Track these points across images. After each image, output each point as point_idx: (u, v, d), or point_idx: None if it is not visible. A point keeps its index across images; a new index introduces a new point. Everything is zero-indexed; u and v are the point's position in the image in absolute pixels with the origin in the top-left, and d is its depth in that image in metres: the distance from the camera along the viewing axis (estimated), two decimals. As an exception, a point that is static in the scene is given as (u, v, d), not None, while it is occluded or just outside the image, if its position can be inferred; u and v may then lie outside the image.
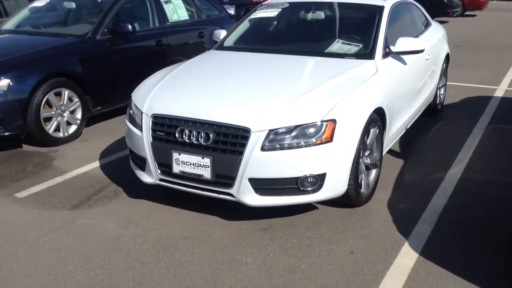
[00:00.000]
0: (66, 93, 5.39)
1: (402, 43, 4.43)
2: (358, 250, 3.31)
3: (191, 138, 3.51)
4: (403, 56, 4.60)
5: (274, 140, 3.36)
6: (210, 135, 3.44)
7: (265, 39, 5.12)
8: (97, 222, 3.72)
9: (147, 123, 3.73)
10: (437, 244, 3.37)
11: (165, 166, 3.68)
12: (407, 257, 3.22)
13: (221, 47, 5.05)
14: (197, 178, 3.55)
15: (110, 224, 3.69)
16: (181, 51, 7.09)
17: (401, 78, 4.51)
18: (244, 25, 5.28)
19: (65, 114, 5.44)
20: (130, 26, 5.96)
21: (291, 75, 4.09)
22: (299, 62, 4.37)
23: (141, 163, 3.87)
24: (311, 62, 4.37)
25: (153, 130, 3.70)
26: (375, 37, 4.49)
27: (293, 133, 3.37)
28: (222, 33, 5.30)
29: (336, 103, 3.51)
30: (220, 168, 3.45)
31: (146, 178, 3.85)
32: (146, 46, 6.46)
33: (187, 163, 3.55)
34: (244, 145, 3.37)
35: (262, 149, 3.35)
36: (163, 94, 3.92)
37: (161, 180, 3.76)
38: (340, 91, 3.67)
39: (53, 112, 5.33)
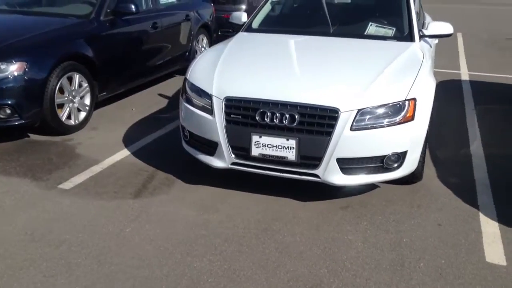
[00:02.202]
0: (77, 77, 5.04)
1: (434, 27, 4.66)
2: (443, 222, 3.48)
3: (274, 120, 3.46)
4: (429, 39, 4.83)
5: (362, 120, 3.42)
6: (296, 117, 3.42)
7: (295, 21, 5.11)
8: (173, 210, 3.57)
9: (219, 106, 3.62)
10: (507, 211, 3.61)
11: (241, 150, 3.61)
12: (489, 225, 3.44)
13: (250, 28, 4.98)
14: (279, 160, 3.52)
15: (188, 211, 3.56)
16: (173, 34, 6.88)
17: (432, 59, 4.74)
18: (267, 8, 5.24)
19: (75, 100, 5.09)
20: (133, 7, 5.67)
21: (352, 56, 4.17)
22: (348, 44, 4.46)
23: (209, 148, 3.76)
24: (360, 44, 4.47)
25: (227, 113, 3.60)
26: (409, 21, 4.67)
27: (379, 113, 3.45)
28: (243, 16, 5.23)
29: (412, 82, 3.64)
30: (306, 149, 3.45)
31: (216, 162, 3.74)
32: (144, 28, 6.19)
33: (269, 146, 3.51)
34: (332, 126, 3.39)
35: (351, 129, 3.39)
36: (232, 76, 3.83)
37: (234, 164, 3.68)
38: (409, 71, 3.80)
39: (66, 98, 4.96)
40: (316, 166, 3.47)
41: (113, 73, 5.62)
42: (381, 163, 3.52)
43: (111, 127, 5.27)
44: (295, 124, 3.44)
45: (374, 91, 3.52)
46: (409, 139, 3.54)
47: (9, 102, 4.46)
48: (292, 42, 4.57)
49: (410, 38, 4.53)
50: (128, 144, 4.80)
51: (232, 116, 3.60)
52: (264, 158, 3.56)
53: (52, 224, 3.34)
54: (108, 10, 5.59)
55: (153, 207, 3.61)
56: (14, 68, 4.44)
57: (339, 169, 3.47)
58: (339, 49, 4.37)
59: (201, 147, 3.86)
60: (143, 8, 6.36)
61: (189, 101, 3.90)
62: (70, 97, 5.01)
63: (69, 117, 5.03)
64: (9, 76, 4.42)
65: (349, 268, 2.93)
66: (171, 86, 6.98)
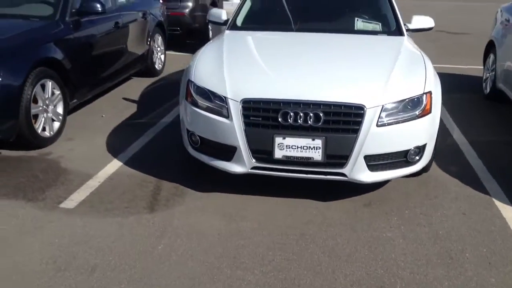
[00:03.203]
0: (50, 84, 4.62)
1: (418, 21, 4.78)
2: (466, 211, 3.57)
3: (298, 120, 3.37)
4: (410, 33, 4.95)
5: (386, 116, 3.41)
6: (321, 116, 3.35)
7: (279, 18, 4.98)
8: (198, 221, 3.37)
9: (236, 109, 3.46)
10: (515, 196, 3.79)
11: (262, 153, 3.48)
12: (507, 211, 3.58)
13: (235, 26, 4.83)
14: (305, 161, 3.43)
15: (214, 221, 3.37)
16: (134, 34, 6.55)
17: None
18: (247, 5, 5.09)
19: (49, 110, 4.66)
20: (99, 6, 5.29)
21: (355, 52, 4.18)
22: (344, 39, 4.46)
23: (226, 153, 3.58)
24: (355, 39, 4.48)
25: (246, 116, 3.45)
26: (395, 16, 4.76)
27: (401, 107, 3.46)
28: (223, 13, 5.06)
29: (425, 76, 3.69)
30: (332, 148, 3.39)
31: (234, 168, 3.58)
32: (108, 29, 5.81)
33: (293, 147, 3.41)
34: (359, 123, 3.36)
35: (377, 125, 3.37)
36: (245, 77, 3.68)
37: (255, 168, 3.54)
38: (417, 66, 3.85)
39: (40, 108, 4.54)
40: (343, 165, 3.42)
41: (82, 78, 5.22)
42: (405, 157, 3.54)
43: (88, 137, 4.90)
44: (320, 123, 3.36)
45: (394, 86, 3.53)
46: (427, 132, 3.59)
47: (-18, 115, 3.99)
48: (288, 39, 4.48)
49: (399, 33, 4.61)
50: (115, 154, 4.48)
51: (251, 118, 3.45)
52: (288, 160, 3.45)
53: (73, 249, 3.03)
54: (73, 10, 5.17)
55: (175, 220, 3.38)
56: (-14, 78, 3.98)
57: (366, 166, 3.44)
58: (339, 45, 4.35)
59: (216, 153, 3.67)
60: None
61: (197, 105, 3.68)
62: (44, 106, 4.58)
63: (43, 128, 4.59)
64: (-20, 86, 3.95)
65: (403, 266, 2.91)
66: (131, 88, 6.63)
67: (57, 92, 4.74)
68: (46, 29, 4.78)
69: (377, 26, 4.75)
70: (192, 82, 3.78)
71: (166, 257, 2.95)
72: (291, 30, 4.71)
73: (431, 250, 3.07)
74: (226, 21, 5.01)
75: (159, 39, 7.61)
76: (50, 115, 4.67)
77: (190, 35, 9.76)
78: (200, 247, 3.07)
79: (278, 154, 3.43)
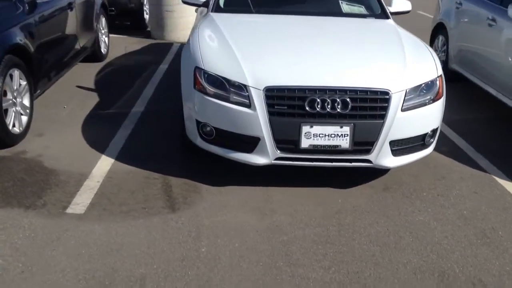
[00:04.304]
0: (17, 74, 4.09)
1: (397, 4, 4.84)
2: (476, 190, 3.71)
3: (326, 107, 3.28)
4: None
5: (409, 100, 3.42)
6: (349, 102, 3.29)
7: (264, 0, 4.82)
8: (228, 218, 3.18)
9: (259, 97, 3.29)
10: (510, 170, 3.99)
11: (288, 143, 3.35)
12: (510, 186, 3.77)
13: (219, 8, 4.59)
14: (332, 150, 3.36)
15: (244, 216, 3.21)
16: (85, 16, 6.05)
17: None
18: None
19: (17, 102, 4.15)
20: (58, -15, 4.77)
21: (358, 35, 4.16)
22: (339, 22, 4.43)
23: (247, 144, 3.41)
24: (350, 22, 4.46)
25: (270, 105, 3.29)
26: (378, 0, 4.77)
27: (420, 91, 3.49)
28: (201, -5, 4.79)
29: (433, 60, 3.75)
30: (360, 135, 3.34)
31: (256, 159, 3.42)
32: (62, 10, 5.27)
33: (321, 135, 3.32)
34: (385, 108, 3.34)
35: (402, 109, 3.38)
36: (264, 63, 3.49)
37: (278, 159, 3.41)
38: (421, 49, 3.90)
39: (10, 102, 4.01)
40: (368, 151, 3.39)
41: (44, 65, 4.70)
42: (423, 141, 3.59)
43: (58, 131, 4.44)
44: (348, 110, 3.29)
45: (412, 70, 3.55)
46: (440, 114, 3.66)
47: (-47, 113, 3.43)
48: (284, 22, 4.33)
49: (385, 16, 4.64)
50: (100, 149, 4.09)
51: (276, 107, 3.30)
52: (314, 149, 3.36)
53: (108, 260, 2.72)
54: (31, -11, 4.60)
55: (204, 219, 3.16)
56: (-45, 69, 3.42)
57: (390, 151, 3.44)
58: (337, 28, 4.29)
59: (234, 145, 3.47)
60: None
61: (211, 94, 3.45)
62: (13, 99, 4.06)
63: (13, 124, 4.08)
64: (-51, 79, 3.39)
65: (450, 249, 2.96)
66: (78, 75, 6.04)
67: (24, 82, 4.22)
68: (7, 11, 4.20)
69: (361, 9, 4.75)
70: (202, 69, 3.52)
71: (215, 260, 2.75)
72: (278, 12, 4.56)
73: (467, 231, 3.15)
74: (205, 2, 4.74)
75: (103, 21, 7.06)
76: (18, 108, 4.15)
77: (124, 15, 9.21)
78: (245, 246, 2.90)
79: (305, 143, 3.32)
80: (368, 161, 3.43)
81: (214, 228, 3.06)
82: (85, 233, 2.95)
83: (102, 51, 6.96)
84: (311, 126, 3.28)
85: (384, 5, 4.72)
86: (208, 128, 3.52)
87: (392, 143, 3.41)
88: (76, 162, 3.85)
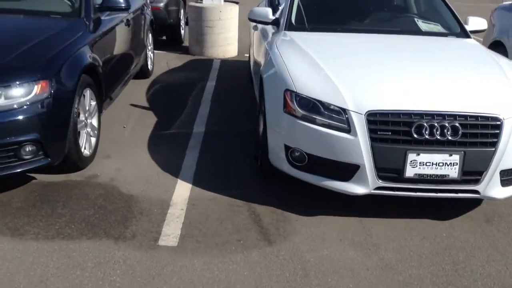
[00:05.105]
0: (88, 94, 3.91)
1: (474, 23, 4.62)
2: None
3: (434, 134, 3.05)
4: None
5: (517, 126, 3.19)
6: (459, 128, 3.06)
7: (337, 17, 4.61)
8: (330, 254, 2.96)
9: (361, 122, 3.08)
10: None
11: (391, 171, 3.13)
12: None
13: (293, 27, 4.39)
14: (438, 180, 3.13)
15: (349, 252, 2.99)
16: (139, 31, 5.93)
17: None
18: (296, 3, 4.65)
19: (88, 124, 3.96)
20: (123, 1, 4.60)
21: (450, 57, 3.95)
22: (422, 42, 4.26)
23: (344, 172, 3.20)
24: (432, 41, 4.30)
25: (372, 131, 3.07)
26: (455, 16, 4.58)
27: (525, 117, 3.26)
28: (269, 12, 4.60)
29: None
30: (470, 164, 3.11)
31: (353, 188, 3.20)
32: (121, 27, 5.12)
33: (427, 164, 3.09)
34: (497, 135, 3.12)
35: (513, 136, 3.15)
36: (363, 86, 3.28)
37: (379, 188, 3.18)
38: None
39: (83, 123, 3.83)
40: (477, 182, 3.16)
41: (109, 84, 4.52)
42: (525, 169, 3.35)
43: (125, 152, 4.25)
44: (458, 136, 3.06)
45: (512, 94, 3.32)
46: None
47: (33, 137, 3.24)
48: (366, 41, 4.13)
49: (465, 35, 4.43)
50: (173, 173, 3.90)
51: (379, 133, 3.08)
52: (419, 179, 3.13)
53: (219, 301, 2.49)
54: (96, 6, 4.45)
55: (305, 253, 2.94)
56: (37, 89, 3.23)
57: (500, 181, 3.20)
58: (425, 48, 4.10)
59: (329, 172, 3.26)
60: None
61: (303, 118, 3.24)
62: (85, 120, 3.87)
63: (84, 146, 3.89)
64: (30, 100, 3.20)
65: None
66: (129, 92, 5.86)
67: (93, 102, 4.05)
68: (75, 29, 4.03)
69: (439, 27, 4.54)
70: (293, 92, 3.32)
71: None
72: (354, 30, 4.36)
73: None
74: (274, 20, 4.55)
75: (149, 37, 6.91)
76: (89, 130, 3.96)
77: (163, 31, 9.08)
78: (360, 286, 2.66)
79: (410, 172, 3.09)
80: (476, 192, 3.20)
81: (320, 265, 2.83)
82: (185, 268, 2.74)
83: (149, 67, 6.81)
84: (418, 154, 3.06)
85: (462, 23, 4.51)
86: (299, 154, 3.30)
87: (503, 173, 3.18)
88: (152, 186, 3.65)
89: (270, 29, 4.73)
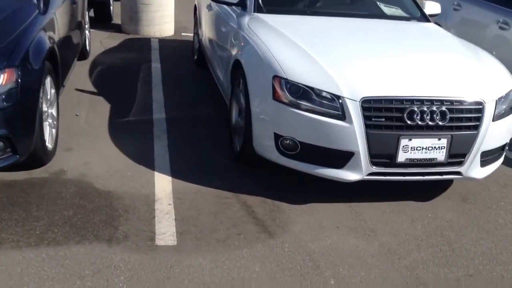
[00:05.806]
0: (49, 82, 3.56)
1: (430, 7, 4.76)
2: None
3: (424, 119, 3.12)
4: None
5: (498, 109, 3.35)
6: (447, 113, 3.15)
7: (306, 0, 4.55)
8: (334, 243, 2.95)
9: (356, 109, 3.07)
10: None
11: (384, 157, 3.17)
12: None
13: (260, 9, 4.24)
14: (427, 163, 3.22)
15: (350, 240, 2.99)
16: (82, 10, 5.48)
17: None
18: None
19: (49, 114, 3.62)
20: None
21: (421, 42, 4.03)
22: (391, 26, 4.28)
23: (337, 159, 3.18)
24: (400, 26, 4.33)
25: (367, 117, 3.08)
26: (414, 1, 4.67)
27: (504, 100, 3.43)
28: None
29: (502, 68, 3.70)
30: (456, 147, 3.22)
31: (346, 175, 3.21)
32: (68, 5, 4.70)
33: (418, 148, 3.17)
34: (479, 119, 3.25)
35: (493, 119, 3.30)
36: (354, 73, 3.25)
37: (371, 174, 3.21)
38: (490, 58, 3.84)
39: (46, 114, 3.49)
40: (461, 163, 3.29)
41: (64, 70, 4.15)
42: (502, 150, 3.54)
43: (87, 144, 3.96)
44: (446, 121, 3.15)
45: (493, 79, 3.48)
46: (512, 124, 3.63)
47: (1, 133, 2.90)
48: (339, 25, 4.09)
49: (425, 19, 4.55)
50: (147, 164, 3.69)
51: (373, 119, 3.09)
52: (410, 163, 3.19)
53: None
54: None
55: (308, 244, 2.91)
56: (2, 79, 2.88)
57: (479, 162, 3.35)
58: (396, 33, 4.14)
59: (322, 160, 3.23)
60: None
61: (295, 105, 3.17)
62: (47, 110, 3.53)
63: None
64: (-4, 91, 2.85)
65: None
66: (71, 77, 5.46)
67: (53, 91, 3.69)
68: (29, 9, 3.62)
69: (399, 11, 4.62)
70: (282, 78, 3.22)
71: (353, 294, 2.51)
72: (321, 14, 4.30)
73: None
74: (240, 1, 4.39)
75: (86, 16, 6.43)
76: (50, 121, 3.62)
77: (90, 7, 8.50)
78: (373, 274, 2.68)
79: (402, 157, 3.15)
80: (459, 173, 3.33)
81: (327, 255, 2.81)
82: (193, 268, 2.60)
83: (87, 47, 6.36)
84: (410, 139, 3.11)
85: (421, 8, 4.62)
86: (290, 142, 3.23)
87: (483, 154, 3.33)
88: (129, 181, 3.43)
89: (232, 10, 4.55)
